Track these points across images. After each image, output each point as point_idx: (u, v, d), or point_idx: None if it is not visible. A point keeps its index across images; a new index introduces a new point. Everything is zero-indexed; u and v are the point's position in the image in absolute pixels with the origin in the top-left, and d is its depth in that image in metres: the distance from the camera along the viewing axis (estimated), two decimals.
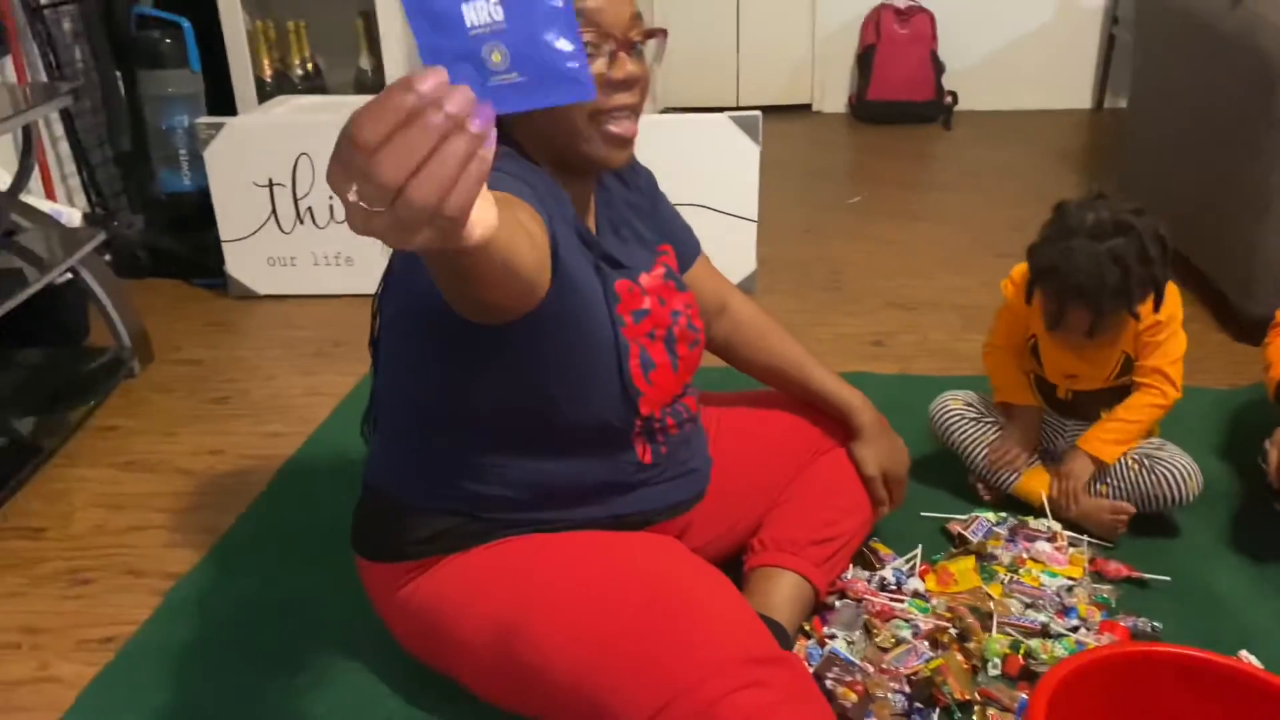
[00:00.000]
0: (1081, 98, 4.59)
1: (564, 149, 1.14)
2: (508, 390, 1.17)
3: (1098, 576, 1.53)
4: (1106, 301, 1.52)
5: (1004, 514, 1.66)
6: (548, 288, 0.93)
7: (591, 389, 1.19)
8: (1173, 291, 1.60)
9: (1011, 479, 1.70)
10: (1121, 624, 1.40)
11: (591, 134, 1.13)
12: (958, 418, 1.75)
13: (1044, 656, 1.34)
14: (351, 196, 0.57)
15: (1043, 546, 1.56)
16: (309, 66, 3.12)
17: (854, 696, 1.28)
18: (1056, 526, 1.61)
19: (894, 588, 1.48)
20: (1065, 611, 1.43)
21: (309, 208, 2.60)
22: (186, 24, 2.83)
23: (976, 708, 1.27)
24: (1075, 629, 1.40)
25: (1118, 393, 1.67)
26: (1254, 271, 2.24)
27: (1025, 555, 1.55)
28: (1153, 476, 1.60)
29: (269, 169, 2.58)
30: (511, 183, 0.98)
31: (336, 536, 1.37)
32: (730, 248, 2.51)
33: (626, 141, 1.15)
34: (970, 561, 1.53)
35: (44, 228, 2.26)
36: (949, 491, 1.75)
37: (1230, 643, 1.37)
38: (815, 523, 1.44)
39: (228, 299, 2.70)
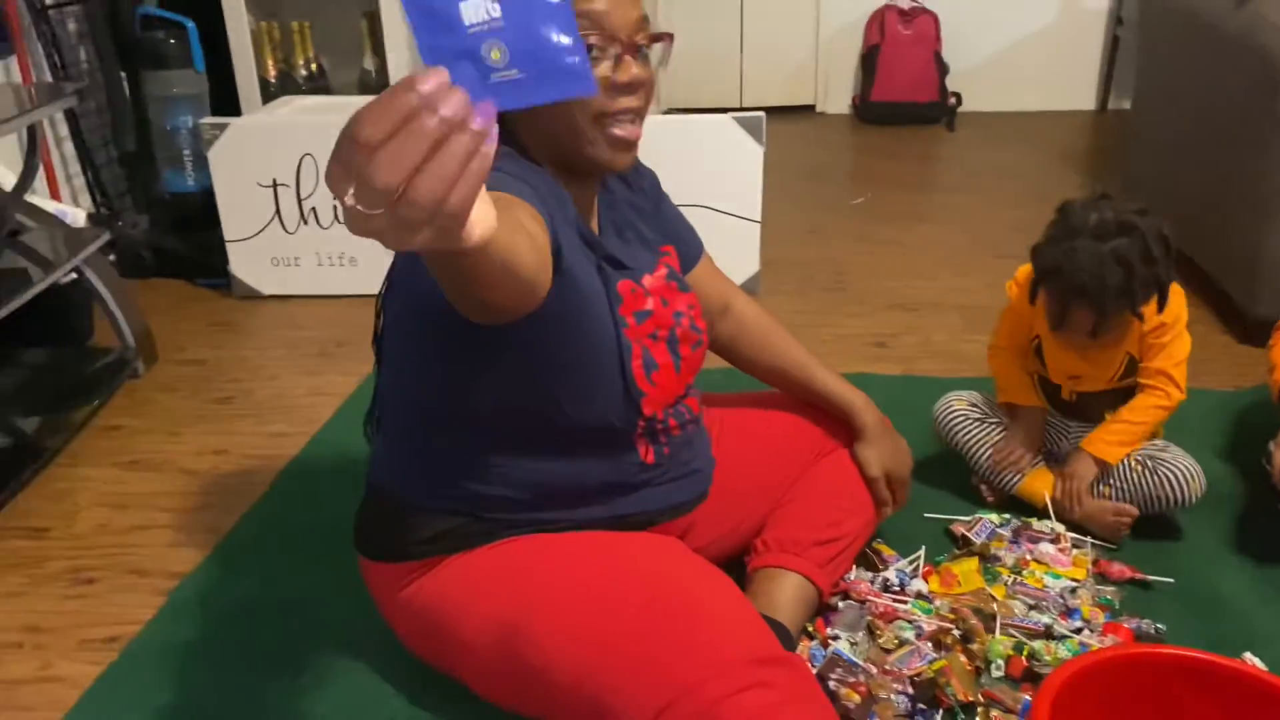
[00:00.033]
0: (1085, 99, 4.58)
1: (568, 151, 1.14)
2: (510, 390, 1.17)
3: (1101, 578, 1.52)
4: (1110, 302, 1.52)
5: (1007, 515, 1.66)
6: (549, 288, 0.93)
7: (594, 389, 1.19)
8: (1177, 293, 1.59)
9: (1015, 480, 1.69)
10: (1125, 626, 1.40)
11: (596, 136, 1.13)
12: (962, 418, 1.75)
13: (1047, 658, 1.33)
14: (349, 199, 0.57)
15: (1046, 548, 1.56)
16: (313, 67, 3.12)
17: (857, 698, 1.28)
18: (1060, 528, 1.61)
19: (897, 589, 1.48)
20: (1069, 613, 1.43)
21: (313, 208, 2.60)
22: (191, 24, 2.84)
23: (980, 709, 1.27)
24: (1079, 630, 1.40)
25: (1122, 394, 1.67)
26: (1258, 273, 2.23)
27: (1029, 557, 1.55)
28: (1156, 478, 1.60)
29: (273, 169, 2.58)
30: (512, 183, 0.98)
31: (340, 536, 1.37)
32: (733, 248, 2.51)
33: (630, 145, 1.15)
34: (974, 563, 1.53)
35: (49, 228, 2.26)
36: (952, 493, 1.75)
37: (1234, 645, 1.37)
38: (818, 523, 1.43)
39: (231, 299, 2.70)
